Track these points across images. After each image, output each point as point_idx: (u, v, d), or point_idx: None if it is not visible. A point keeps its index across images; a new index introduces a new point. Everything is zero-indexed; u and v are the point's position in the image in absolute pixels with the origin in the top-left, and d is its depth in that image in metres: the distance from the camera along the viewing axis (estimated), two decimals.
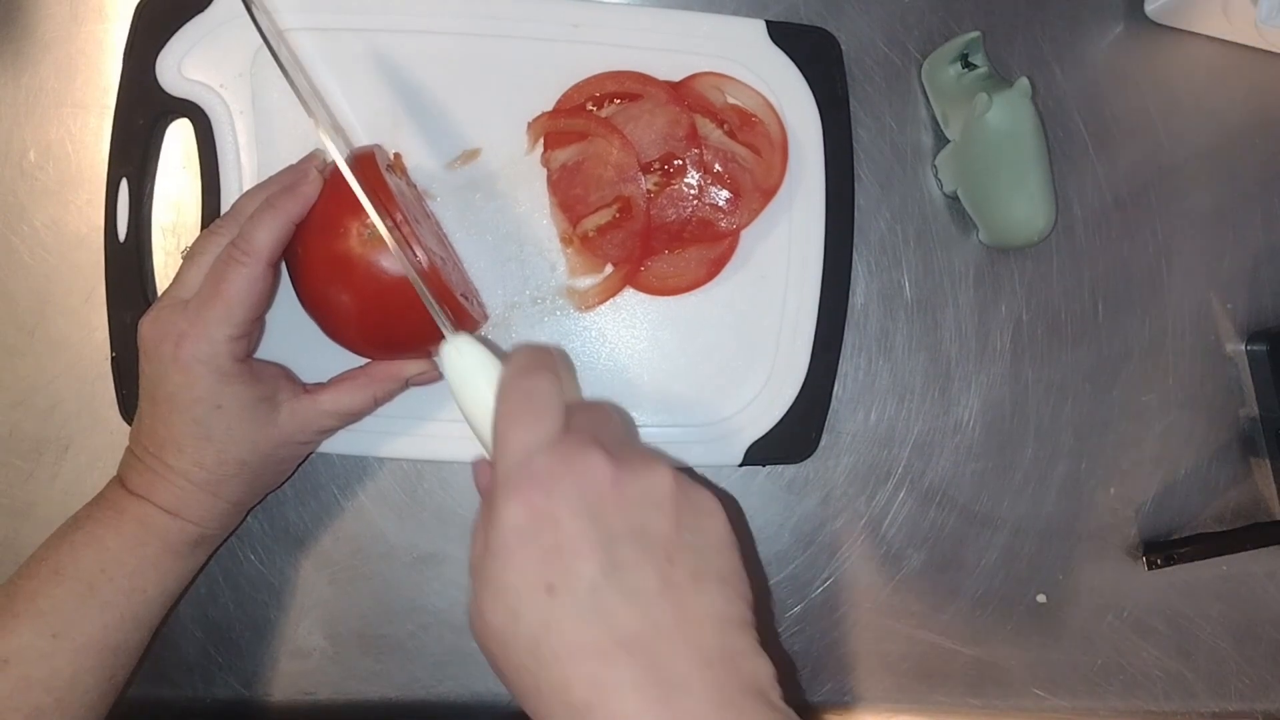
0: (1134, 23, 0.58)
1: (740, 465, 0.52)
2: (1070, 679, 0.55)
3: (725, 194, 0.51)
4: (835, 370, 0.53)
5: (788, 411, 0.52)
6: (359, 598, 0.52)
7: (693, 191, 0.51)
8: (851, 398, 0.55)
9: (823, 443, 0.53)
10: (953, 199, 0.56)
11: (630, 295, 0.52)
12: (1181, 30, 0.58)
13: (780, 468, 0.54)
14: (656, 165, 0.51)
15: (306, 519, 0.52)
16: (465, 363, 0.37)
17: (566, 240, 0.51)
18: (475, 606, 0.31)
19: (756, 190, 0.52)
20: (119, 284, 0.50)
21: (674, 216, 0.51)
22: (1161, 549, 0.55)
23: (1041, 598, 0.55)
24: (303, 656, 0.51)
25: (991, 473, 0.56)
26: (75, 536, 0.42)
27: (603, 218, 0.51)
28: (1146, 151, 0.58)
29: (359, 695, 0.51)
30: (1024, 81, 0.49)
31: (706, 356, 0.52)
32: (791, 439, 0.52)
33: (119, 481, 0.43)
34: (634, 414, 0.51)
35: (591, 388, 0.51)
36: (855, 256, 0.54)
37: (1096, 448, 0.56)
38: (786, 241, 0.52)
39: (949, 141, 0.55)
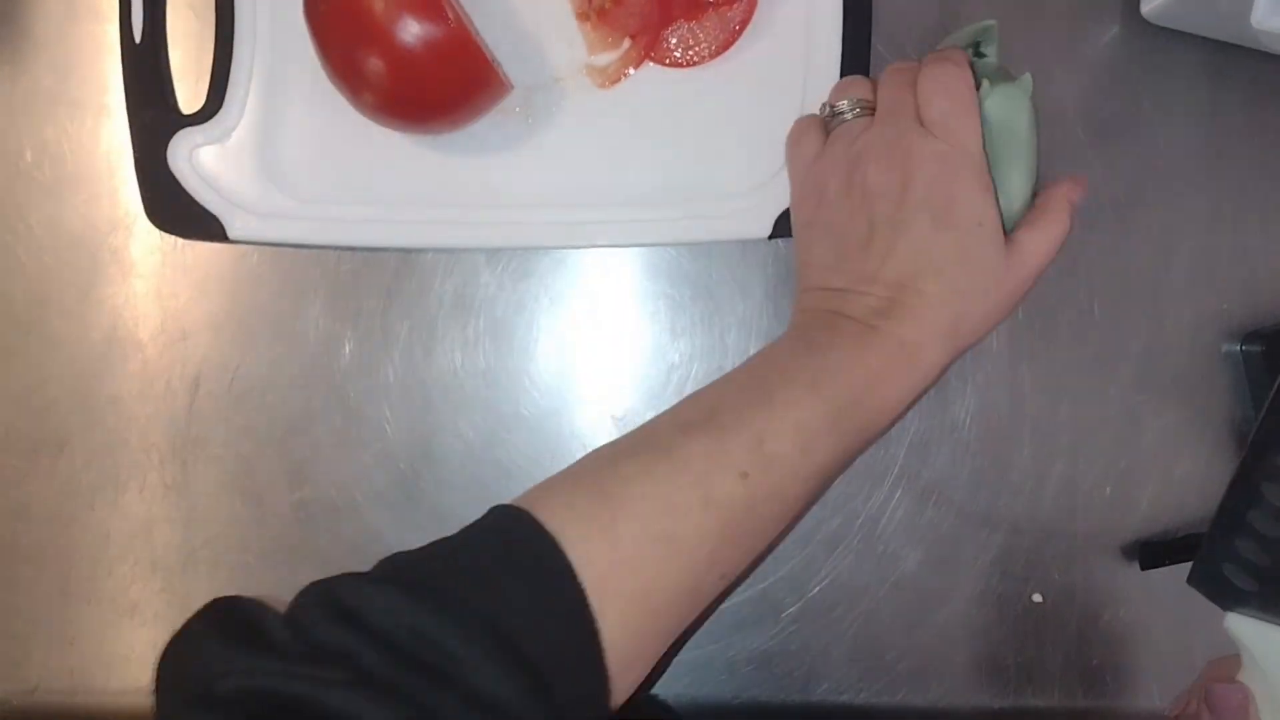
0: (1130, 24, 0.58)
1: (769, 238, 0.51)
2: (1066, 679, 0.55)
3: None
4: None
5: None
6: None
7: None
8: None
9: None
10: None
11: (652, 70, 0.52)
12: (1178, 31, 0.58)
13: None
14: None
15: (302, 519, 0.52)
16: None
17: (583, 16, 0.51)
18: None
19: None
20: (137, 86, 0.49)
21: None
22: (1158, 549, 0.55)
23: (1037, 597, 0.55)
24: None
25: (988, 472, 0.56)
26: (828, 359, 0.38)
27: None
28: (1142, 152, 0.58)
29: None
30: (1028, 78, 0.49)
31: (730, 126, 0.51)
32: None
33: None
34: (658, 189, 0.51)
35: (616, 164, 0.51)
36: None
37: (1093, 447, 0.56)
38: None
39: None
